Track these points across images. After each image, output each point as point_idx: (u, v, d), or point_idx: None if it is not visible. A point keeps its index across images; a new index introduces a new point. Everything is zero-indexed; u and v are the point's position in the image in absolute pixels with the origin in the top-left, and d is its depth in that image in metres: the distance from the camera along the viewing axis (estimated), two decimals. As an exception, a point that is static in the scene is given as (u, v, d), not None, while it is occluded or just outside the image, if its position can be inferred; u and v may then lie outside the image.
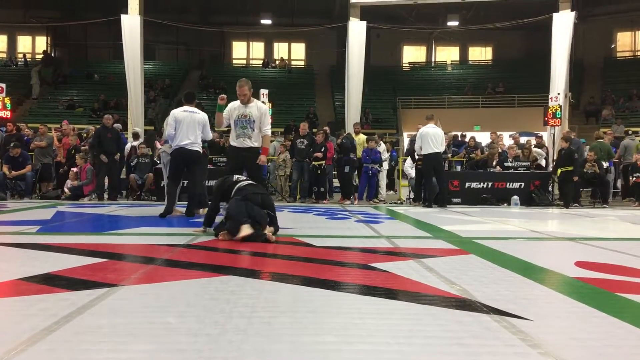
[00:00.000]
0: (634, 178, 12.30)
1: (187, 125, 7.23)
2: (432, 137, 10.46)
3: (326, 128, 13.05)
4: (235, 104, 6.26)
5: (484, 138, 15.96)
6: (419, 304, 2.73)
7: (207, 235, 5.33)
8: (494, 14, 24.40)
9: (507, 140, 14.88)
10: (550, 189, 12.31)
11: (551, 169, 12.66)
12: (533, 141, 14.18)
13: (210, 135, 7.85)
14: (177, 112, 7.33)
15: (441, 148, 10.66)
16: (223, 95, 6.38)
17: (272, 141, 13.63)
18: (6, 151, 11.57)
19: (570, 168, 11.20)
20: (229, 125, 6.50)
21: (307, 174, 11.51)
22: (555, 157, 12.75)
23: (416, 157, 11.21)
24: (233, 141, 6.32)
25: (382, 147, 12.59)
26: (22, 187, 11.24)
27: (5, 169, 11.15)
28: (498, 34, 28.15)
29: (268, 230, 4.98)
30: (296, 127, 14.96)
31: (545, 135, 15.49)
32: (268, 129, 6.33)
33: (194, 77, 29.42)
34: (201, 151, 7.53)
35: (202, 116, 7.46)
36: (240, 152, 6.26)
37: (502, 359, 1.96)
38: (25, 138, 12.69)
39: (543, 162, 13.08)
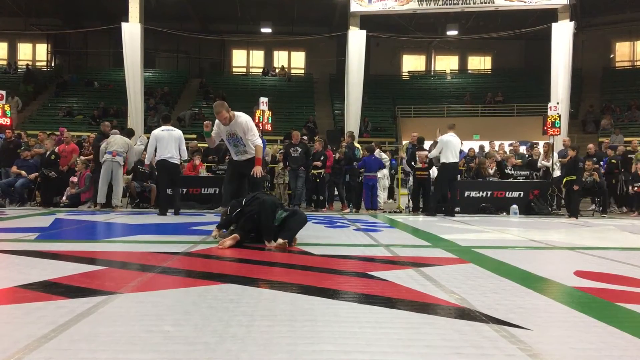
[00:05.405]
0: (636, 188, 12.30)
1: (167, 141, 8.98)
2: (454, 146, 10.53)
3: (316, 138, 13.06)
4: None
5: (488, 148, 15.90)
6: (417, 313, 2.73)
7: (205, 243, 5.33)
8: (493, 23, 24.54)
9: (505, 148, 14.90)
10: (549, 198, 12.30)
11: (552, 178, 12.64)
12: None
13: (186, 154, 9.69)
14: (157, 132, 9.19)
15: (457, 158, 10.75)
16: (208, 122, 6.43)
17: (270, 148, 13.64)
18: (4, 157, 11.65)
19: (574, 177, 11.02)
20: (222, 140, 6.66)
21: (302, 181, 11.51)
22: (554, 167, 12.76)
23: (434, 162, 11.19)
24: (234, 156, 6.48)
25: (384, 156, 12.69)
26: (16, 195, 11.18)
27: (14, 168, 11.23)
28: (497, 44, 28.27)
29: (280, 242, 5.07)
30: (288, 135, 15.01)
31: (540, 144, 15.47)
32: (257, 139, 6.29)
33: (193, 85, 29.49)
34: (179, 164, 9.43)
35: (178, 133, 9.29)
36: (241, 163, 6.41)
37: (501, 368, 1.96)
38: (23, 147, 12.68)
39: (557, 170, 12.79)
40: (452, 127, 10.96)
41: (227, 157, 10.34)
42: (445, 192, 10.82)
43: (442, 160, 10.61)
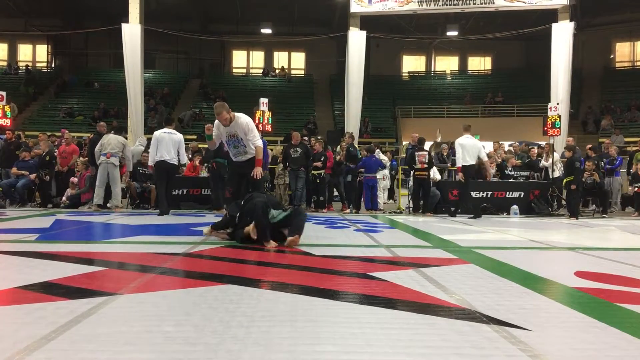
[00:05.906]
0: (636, 188, 12.29)
1: (167, 143, 9.19)
2: (470, 148, 10.49)
3: (313, 139, 13.04)
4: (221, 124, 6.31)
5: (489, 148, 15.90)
6: (418, 313, 2.73)
7: (205, 243, 5.33)
8: (493, 24, 24.54)
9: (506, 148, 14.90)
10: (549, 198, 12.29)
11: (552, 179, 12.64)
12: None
13: (185, 159, 10.08)
14: (158, 134, 9.36)
15: (474, 160, 10.68)
16: (209, 125, 6.46)
17: (271, 150, 13.64)
18: (5, 158, 11.66)
19: (572, 178, 11.08)
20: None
21: (302, 182, 11.51)
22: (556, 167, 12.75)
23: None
24: (234, 158, 6.47)
25: (383, 157, 12.67)
26: (17, 196, 11.19)
27: (14, 170, 11.26)
28: (497, 44, 28.26)
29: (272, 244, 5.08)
30: (288, 136, 14.98)
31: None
32: (257, 140, 6.31)
33: (193, 86, 29.49)
34: (177, 165, 9.66)
35: (179, 137, 9.53)
36: (240, 164, 6.40)
37: (501, 369, 1.96)
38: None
39: (557, 171, 12.79)
40: (467, 128, 10.78)
41: (212, 161, 10.57)
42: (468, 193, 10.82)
43: (462, 163, 10.55)
